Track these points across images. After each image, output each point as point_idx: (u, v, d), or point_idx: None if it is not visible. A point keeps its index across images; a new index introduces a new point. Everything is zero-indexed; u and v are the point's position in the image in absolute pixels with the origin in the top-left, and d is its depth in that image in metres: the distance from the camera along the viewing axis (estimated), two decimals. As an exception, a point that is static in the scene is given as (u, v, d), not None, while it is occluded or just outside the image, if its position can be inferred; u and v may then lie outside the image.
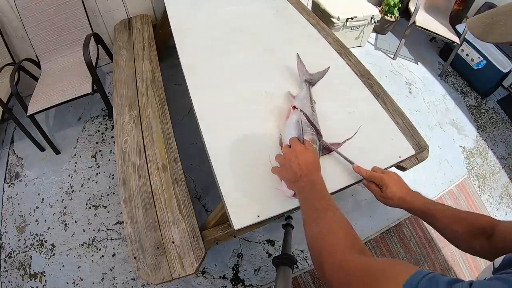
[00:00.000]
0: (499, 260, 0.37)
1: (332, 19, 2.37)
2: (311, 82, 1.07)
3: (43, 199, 1.78)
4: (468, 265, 1.66)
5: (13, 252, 1.61)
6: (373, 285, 0.40)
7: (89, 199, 1.76)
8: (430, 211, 0.70)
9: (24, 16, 1.80)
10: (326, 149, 0.87)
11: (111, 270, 1.52)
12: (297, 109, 0.92)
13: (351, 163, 0.83)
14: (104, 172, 1.87)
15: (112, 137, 2.01)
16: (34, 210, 1.74)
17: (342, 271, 0.46)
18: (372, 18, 2.46)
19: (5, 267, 1.56)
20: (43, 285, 1.49)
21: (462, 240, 0.66)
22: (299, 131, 0.79)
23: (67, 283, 1.49)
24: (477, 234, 0.63)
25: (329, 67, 1.10)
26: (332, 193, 0.85)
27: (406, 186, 0.76)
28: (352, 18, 2.39)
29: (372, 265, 0.44)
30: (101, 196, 1.77)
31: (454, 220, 0.67)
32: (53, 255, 1.58)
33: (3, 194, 1.83)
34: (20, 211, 1.74)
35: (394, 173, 0.79)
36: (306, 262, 1.54)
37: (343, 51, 1.44)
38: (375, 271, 0.42)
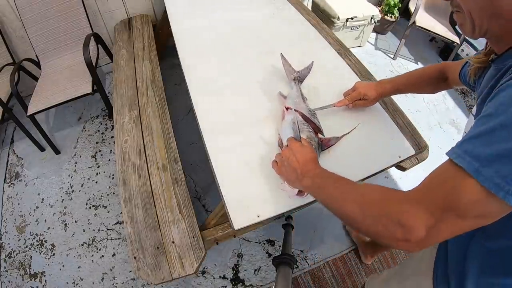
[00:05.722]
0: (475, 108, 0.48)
1: (332, 19, 2.37)
2: (299, 79, 1.08)
3: (43, 199, 1.78)
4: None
5: (13, 252, 1.61)
6: (450, 192, 0.41)
7: (89, 199, 1.76)
8: (400, 88, 0.93)
9: (24, 16, 1.80)
10: (326, 144, 0.88)
11: (111, 270, 1.52)
12: (291, 109, 0.92)
13: (333, 105, 0.98)
14: (104, 172, 1.87)
15: (112, 137, 2.01)
16: (34, 210, 1.74)
17: (424, 213, 0.42)
18: (372, 18, 2.46)
19: (5, 267, 1.56)
20: (43, 285, 1.49)
21: (431, 92, 0.93)
22: (296, 131, 0.80)
23: (67, 283, 1.49)
24: (438, 83, 0.87)
25: (312, 61, 1.13)
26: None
27: (373, 82, 0.97)
28: (352, 18, 2.39)
29: (432, 182, 0.44)
30: (101, 196, 1.77)
31: (419, 85, 0.91)
32: (53, 255, 1.58)
33: (3, 194, 1.83)
34: (20, 211, 1.74)
35: (359, 82, 0.99)
36: (306, 262, 1.54)
37: (343, 51, 1.44)
38: (444, 184, 0.42)
